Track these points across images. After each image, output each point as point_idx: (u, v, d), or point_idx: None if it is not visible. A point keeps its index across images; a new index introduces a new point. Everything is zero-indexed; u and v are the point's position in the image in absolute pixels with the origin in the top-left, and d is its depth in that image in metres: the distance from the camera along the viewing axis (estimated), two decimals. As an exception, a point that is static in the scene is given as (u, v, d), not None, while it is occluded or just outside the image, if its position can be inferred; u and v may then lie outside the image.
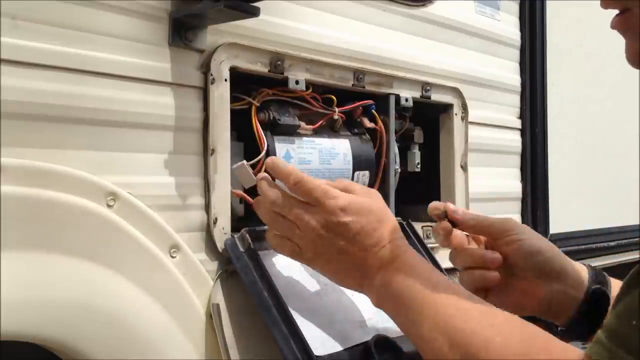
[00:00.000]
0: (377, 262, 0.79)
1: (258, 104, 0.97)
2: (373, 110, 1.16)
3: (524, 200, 1.55)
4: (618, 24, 0.63)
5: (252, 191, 0.87)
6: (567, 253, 1.69)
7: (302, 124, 1.03)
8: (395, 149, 1.19)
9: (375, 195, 0.85)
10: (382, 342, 0.89)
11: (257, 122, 0.96)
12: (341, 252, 0.80)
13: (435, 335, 0.69)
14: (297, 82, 1.00)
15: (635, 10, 0.60)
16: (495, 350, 0.63)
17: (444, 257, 1.26)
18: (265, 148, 0.95)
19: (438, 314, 0.70)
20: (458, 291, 0.73)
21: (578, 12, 1.69)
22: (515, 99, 1.55)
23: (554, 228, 1.60)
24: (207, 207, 0.90)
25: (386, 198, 1.17)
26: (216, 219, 0.90)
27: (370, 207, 0.82)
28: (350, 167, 1.09)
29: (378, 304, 0.80)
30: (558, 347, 0.61)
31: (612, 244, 1.77)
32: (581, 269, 0.90)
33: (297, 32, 1.03)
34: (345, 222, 0.79)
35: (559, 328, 0.89)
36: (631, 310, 0.53)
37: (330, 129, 1.10)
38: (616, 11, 0.63)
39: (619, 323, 0.53)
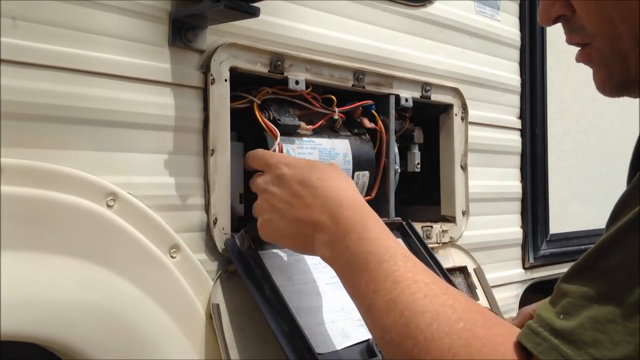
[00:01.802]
0: (324, 217, 0.77)
1: (259, 102, 0.97)
2: (373, 111, 1.16)
3: (524, 200, 1.54)
4: (582, 57, 0.68)
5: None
6: (567, 253, 1.69)
7: (302, 124, 1.03)
8: (395, 149, 1.19)
9: (333, 165, 0.86)
10: (383, 341, 0.89)
11: (262, 116, 0.96)
12: (286, 204, 0.81)
13: (393, 315, 0.64)
14: (297, 82, 1.00)
15: (595, 44, 0.65)
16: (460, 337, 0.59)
17: (444, 257, 1.26)
18: (278, 136, 0.96)
19: (396, 289, 0.65)
20: (415, 264, 0.69)
21: (578, 12, 1.68)
22: (515, 99, 1.55)
23: (554, 228, 1.60)
24: (207, 207, 0.90)
25: (386, 198, 1.17)
26: (216, 219, 0.90)
27: (315, 164, 0.84)
28: (351, 167, 1.09)
29: (328, 260, 0.77)
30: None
31: (612, 244, 1.76)
32: None
33: (297, 32, 1.03)
34: (285, 174, 0.82)
35: None
36: (562, 304, 0.53)
37: (330, 129, 1.10)
38: None
39: (550, 314, 0.54)
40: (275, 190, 0.83)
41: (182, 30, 0.86)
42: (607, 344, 0.49)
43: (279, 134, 0.96)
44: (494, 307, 1.29)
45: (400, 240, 0.76)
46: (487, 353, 0.56)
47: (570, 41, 0.68)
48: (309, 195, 0.79)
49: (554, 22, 0.68)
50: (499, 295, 1.35)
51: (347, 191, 0.79)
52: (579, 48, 0.68)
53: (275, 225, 0.82)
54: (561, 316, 0.52)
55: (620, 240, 0.51)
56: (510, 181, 1.53)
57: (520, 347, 0.54)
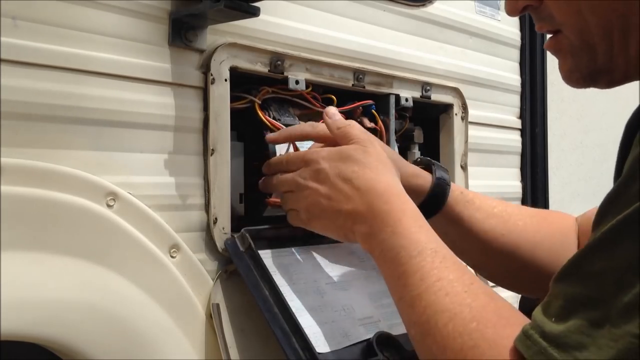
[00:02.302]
0: (362, 208, 0.79)
1: (259, 101, 0.97)
2: (373, 110, 1.16)
3: (524, 200, 1.54)
4: (551, 45, 0.68)
5: None
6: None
7: (302, 123, 1.03)
8: (395, 148, 1.19)
9: (371, 143, 0.86)
10: (384, 339, 0.89)
11: (265, 115, 0.96)
12: (328, 198, 0.82)
13: (419, 310, 0.67)
14: (297, 82, 1.00)
15: (566, 32, 0.65)
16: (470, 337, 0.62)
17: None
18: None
19: (422, 286, 0.68)
20: (447, 259, 0.71)
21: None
22: (515, 99, 1.54)
23: (554, 228, 1.59)
24: (207, 207, 0.90)
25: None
26: (216, 219, 0.90)
27: (349, 153, 0.83)
28: (350, 167, 1.09)
29: (367, 250, 0.80)
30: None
31: (612, 243, 1.76)
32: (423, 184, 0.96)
33: (297, 32, 1.03)
34: (323, 168, 0.83)
35: None
36: (554, 306, 0.54)
37: (330, 129, 1.10)
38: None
39: (543, 317, 0.55)
40: (316, 186, 0.84)
41: (182, 30, 0.86)
42: (591, 348, 0.50)
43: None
44: (494, 307, 1.29)
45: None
46: (492, 355, 0.58)
47: (540, 29, 0.69)
48: (348, 188, 0.81)
49: (522, 12, 0.68)
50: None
51: (382, 183, 0.80)
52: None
53: (320, 218, 0.85)
54: (553, 319, 0.54)
55: (605, 246, 0.52)
56: (510, 181, 1.53)
57: (517, 349, 0.56)
